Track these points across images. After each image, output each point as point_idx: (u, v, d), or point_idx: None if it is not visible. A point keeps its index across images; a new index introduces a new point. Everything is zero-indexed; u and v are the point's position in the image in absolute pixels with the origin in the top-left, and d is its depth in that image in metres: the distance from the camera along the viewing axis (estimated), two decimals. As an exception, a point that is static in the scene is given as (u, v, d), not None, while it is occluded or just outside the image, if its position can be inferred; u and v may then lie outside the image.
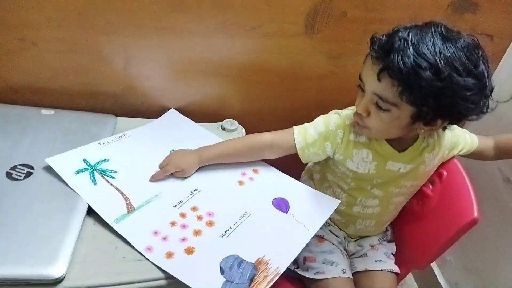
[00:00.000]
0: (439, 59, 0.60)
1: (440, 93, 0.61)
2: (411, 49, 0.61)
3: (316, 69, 0.92)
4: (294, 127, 0.79)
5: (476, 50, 0.63)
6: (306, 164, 0.89)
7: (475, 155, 0.86)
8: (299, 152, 0.78)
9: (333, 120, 0.78)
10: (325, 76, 0.94)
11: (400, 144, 0.76)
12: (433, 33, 0.63)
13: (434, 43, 0.62)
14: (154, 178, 0.74)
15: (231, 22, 0.81)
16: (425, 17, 0.67)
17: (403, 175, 0.79)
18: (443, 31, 0.63)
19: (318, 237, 0.85)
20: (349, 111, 0.79)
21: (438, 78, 0.60)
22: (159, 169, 0.75)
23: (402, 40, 0.62)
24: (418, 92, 0.61)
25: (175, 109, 0.93)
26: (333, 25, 0.85)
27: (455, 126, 0.81)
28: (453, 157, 0.85)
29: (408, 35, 0.63)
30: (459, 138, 0.83)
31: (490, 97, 0.66)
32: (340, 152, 0.77)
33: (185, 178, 0.75)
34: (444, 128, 0.75)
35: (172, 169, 0.74)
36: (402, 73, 0.61)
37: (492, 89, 0.66)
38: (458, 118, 0.67)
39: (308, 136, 0.77)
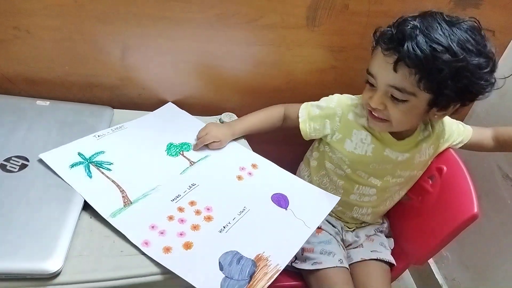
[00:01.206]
0: (452, 42, 0.63)
1: (458, 74, 0.63)
2: (422, 36, 0.63)
3: (317, 63, 0.91)
4: (304, 103, 0.84)
5: (479, 31, 0.67)
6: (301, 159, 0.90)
7: (473, 146, 0.87)
8: (301, 126, 0.82)
9: (334, 99, 0.82)
10: (326, 70, 0.92)
11: (399, 133, 0.78)
12: (438, 20, 0.65)
13: (442, 28, 0.64)
14: (194, 149, 0.79)
15: (232, 13, 0.80)
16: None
17: (399, 164, 0.80)
18: (445, 17, 0.66)
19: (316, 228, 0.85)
20: (354, 96, 0.82)
21: (456, 59, 0.62)
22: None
23: (413, 28, 0.64)
24: (438, 76, 0.63)
25: (172, 102, 0.92)
26: (334, 18, 0.84)
27: (447, 117, 0.83)
28: (448, 149, 0.85)
29: (416, 22, 0.64)
30: (452, 127, 0.85)
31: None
32: (339, 130, 0.80)
33: (183, 172, 0.74)
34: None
35: (210, 139, 0.79)
36: (420, 60, 0.62)
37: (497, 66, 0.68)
38: (471, 98, 0.69)
39: (311, 111, 0.82)
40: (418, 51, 0.62)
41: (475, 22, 0.67)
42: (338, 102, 0.81)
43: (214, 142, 0.79)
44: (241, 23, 0.81)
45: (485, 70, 0.65)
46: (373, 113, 0.74)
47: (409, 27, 0.64)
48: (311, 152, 0.90)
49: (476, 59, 0.64)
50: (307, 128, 0.82)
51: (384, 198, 0.86)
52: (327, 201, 0.75)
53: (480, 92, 0.68)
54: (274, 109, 0.86)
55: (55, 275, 0.54)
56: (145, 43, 0.82)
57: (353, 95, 0.83)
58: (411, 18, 0.66)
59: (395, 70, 0.66)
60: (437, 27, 0.64)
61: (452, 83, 0.64)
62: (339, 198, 0.76)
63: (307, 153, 0.93)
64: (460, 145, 0.87)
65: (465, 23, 0.66)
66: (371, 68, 0.71)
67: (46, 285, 0.53)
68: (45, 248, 0.55)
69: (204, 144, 0.79)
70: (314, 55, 0.90)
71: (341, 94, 0.85)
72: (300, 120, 0.82)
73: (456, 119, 0.90)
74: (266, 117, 0.86)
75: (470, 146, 0.87)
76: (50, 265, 0.53)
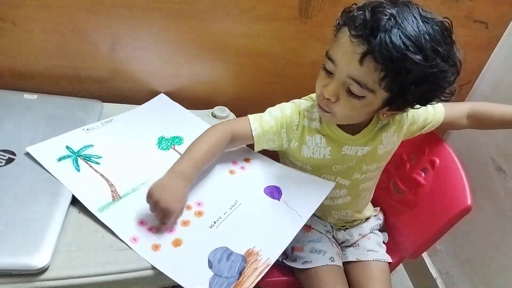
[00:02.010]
0: (426, 43, 0.57)
1: (424, 79, 0.58)
2: (397, 29, 0.56)
3: (310, 55, 0.90)
4: (248, 115, 0.74)
5: (449, 33, 0.61)
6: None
7: (447, 126, 0.83)
8: (255, 139, 0.73)
9: (288, 106, 0.75)
10: (319, 62, 0.89)
11: (352, 127, 0.73)
12: (413, 13, 0.58)
13: (417, 24, 0.57)
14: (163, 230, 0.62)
15: (223, 4, 0.79)
16: (421, 2, 0.65)
17: (363, 159, 0.76)
18: (421, 12, 0.60)
19: (305, 226, 0.84)
20: (302, 100, 0.77)
21: (429, 64, 0.57)
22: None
23: (390, 18, 0.56)
24: (404, 77, 0.58)
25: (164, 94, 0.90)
26: (327, 10, 0.83)
27: None
28: (441, 141, 0.83)
29: (392, 11, 0.57)
30: (418, 112, 0.78)
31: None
32: (296, 138, 0.75)
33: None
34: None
35: (171, 214, 0.60)
36: (391, 57, 0.56)
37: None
38: (425, 104, 0.65)
39: (264, 123, 0.73)
40: (391, 47, 0.55)
41: (447, 23, 0.61)
42: (292, 110, 0.74)
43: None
44: (232, 14, 0.80)
45: (451, 79, 0.61)
46: (320, 104, 0.68)
47: (385, 16, 0.56)
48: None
49: (446, 65, 0.59)
50: (261, 140, 0.73)
51: (358, 195, 0.83)
52: (321, 188, 0.74)
53: (437, 100, 0.64)
54: (216, 134, 0.71)
55: (43, 270, 0.53)
56: (135, 35, 0.81)
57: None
58: (387, 4, 0.59)
59: (360, 62, 0.58)
60: (412, 21, 0.57)
61: (415, 88, 0.59)
62: (334, 183, 0.74)
63: None
64: (432, 129, 0.82)
65: (438, 22, 0.60)
66: (332, 52, 0.63)
67: (33, 281, 0.52)
68: (32, 243, 0.54)
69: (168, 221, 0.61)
70: (307, 48, 0.89)
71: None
72: (254, 133, 0.72)
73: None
74: (212, 148, 0.70)
75: (442, 127, 0.82)
76: (37, 261, 0.52)
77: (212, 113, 0.89)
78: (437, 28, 0.59)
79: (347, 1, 0.82)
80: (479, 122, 0.81)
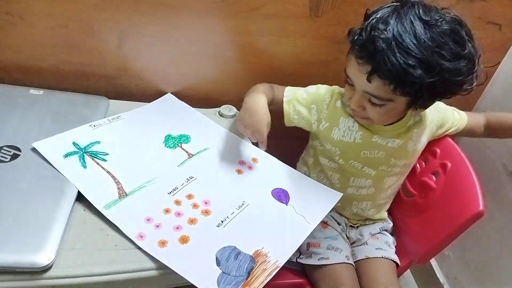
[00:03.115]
0: (426, 52, 0.59)
1: (432, 85, 0.61)
2: (395, 46, 0.59)
3: (320, 54, 0.89)
4: (289, 86, 0.81)
5: (459, 28, 0.62)
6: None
7: (466, 133, 0.86)
8: (284, 106, 0.79)
9: (324, 87, 0.81)
10: (329, 61, 0.90)
11: None
12: (412, 19, 0.61)
13: (416, 33, 0.60)
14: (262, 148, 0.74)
15: (232, 1, 0.78)
16: (436, 2, 0.64)
17: (393, 153, 0.78)
18: (422, 14, 0.61)
19: (322, 223, 0.84)
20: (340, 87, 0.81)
21: (430, 74, 0.60)
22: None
23: (384, 40, 0.60)
24: (412, 87, 0.62)
25: (171, 93, 0.89)
26: (338, 8, 0.82)
27: (441, 104, 0.82)
28: (452, 144, 0.84)
29: (388, 30, 0.60)
30: (447, 114, 0.83)
31: (480, 65, 0.66)
32: (326, 118, 0.78)
33: (181, 164, 0.72)
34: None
35: (264, 130, 0.71)
36: (392, 74, 0.60)
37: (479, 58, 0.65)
38: (452, 95, 0.67)
39: (297, 93, 0.80)
40: (389, 65, 0.59)
41: (456, 18, 0.63)
42: (327, 89, 0.80)
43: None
44: (241, 12, 0.79)
45: (464, 75, 0.63)
46: (353, 112, 0.74)
47: (381, 37, 0.60)
48: (307, 151, 0.89)
49: (453, 64, 0.61)
50: (290, 109, 0.79)
51: (382, 190, 0.84)
52: (330, 198, 0.73)
53: (460, 92, 0.66)
54: (266, 85, 0.81)
55: (47, 268, 0.52)
56: (143, 32, 0.80)
57: None
58: (381, 22, 0.62)
59: (369, 80, 0.64)
60: (411, 30, 0.60)
61: (429, 91, 0.63)
62: (341, 194, 0.74)
63: (302, 154, 0.91)
64: (454, 133, 0.85)
65: (445, 20, 0.61)
66: (347, 70, 0.69)
67: (37, 279, 0.51)
68: (36, 240, 0.53)
69: (265, 137, 0.71)
70: (317, 46, 0.87)
71: (343, 87, 0.82)
72: (284, 99, 0.79)
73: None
74: (266, 87, 0.80)
75: (462, 133, 0.86)
76: (41, 258, 0.51)
77: (219, 112, 0.88)
78: (443, 28, 0.61)
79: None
80: (495, 131, 0.85)
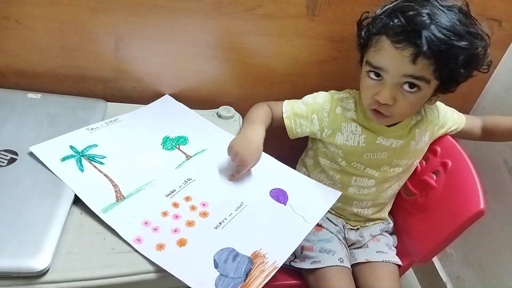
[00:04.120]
0: (460, 28, 0.62)
1: (470, 61, 0.64)
2: (435, 25, 0.61)
3: (317, 54, 0.88)
4: (285, 100, 0.81)
5: (469, 13, 0.66)
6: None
7: (464, 134, 0.87)
8: (285, 121, 0.79)
9: (321, 95, 0.80)
10: (326, 61, 0.89)
11: None
12: (435, 5, 0.63)
13: (444, 14, 0.63)
14: (231, 179, 0.71)
15: (228, 2, 0.77)
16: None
17: (395, 153, 0.78)
18: (440, 2, 0.64)
19: (316, 226, 0.82)
20: (340, 91, 0.81)
21: (472, 46, 0.63)
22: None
23: (426, 17, 0.61)
24: (453, 64, 0.63)
25: (169, 95, 0.89)
26: (336, 7, 0.81)
27: (442, 104, 0.83)
28: (453, 143, 0.84)
29: (425, 10, 0.62)
30: (447, 114, 0.84)
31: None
32: (328, 125, 0.78)
33: (179, 166, 0.72)
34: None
35: (247, 165, 0.70)
36: (440, 50, 0.61)
37: None
38: (465, 81, 0.69)
39: (295, 107, 0.79)
40: (438, 42, 0.60)
41: (464, 5, 0.66)
42: (325, 98, 0.79)
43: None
44: (238, 12, 0.79)
45: (487, 52, 0.66)
46: (377, 109, 0.70)
47: (422, 16, 0.61)
48: (306, 153, 0.89)
49: (480, 43, 0.64)
50: (292, 124, 0.79)
51: (384, 190, 0.84)
52: (328, 196, 0.73)
53: (483, 70, 0.69)
54: (261, 105, 0.81)
55: (43, 273, 0.51)
56: (140, 34, 0.79)
57: (353, 87, 0.81)
58: (414, 4, 0.64)
59: (414, 62, 0.63)
60: (438, 11, 0.62)
61: (464, 69, 0.64)
62: (340, 193, 0.73)
63: (301, 156, 0.91)
64: (453, 133, 0.86)
65: (457, 7, 0.65)
66: (377, 61, 0.67)
67: (34, 284, 0.51)
68: (32, 244, 0.53)
69: (243, 171, 0.70)
70: (314, 46, 0.86)
71: (342, 86, 0.83)
72: (284, 116, 0.79)
73: (461, 112, 0.88)
74: (266, 112, 0.80)
75: (460, 134, 0.87)
76: (37, 263, 0.51)
77: (217, 113, 0.88)
78: (459, 12, 0.64)
79: (355, -2, 0.81)
80: (491, 134, 0.86)
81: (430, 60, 0.62)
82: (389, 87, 0.66)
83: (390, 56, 0.65)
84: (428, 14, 0.61)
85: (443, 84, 0.67)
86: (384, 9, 0.68)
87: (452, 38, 0.61)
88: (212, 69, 0.88)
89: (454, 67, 0.63)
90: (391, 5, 0.67)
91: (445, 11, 0.63)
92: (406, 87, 0.66)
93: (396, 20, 0.63)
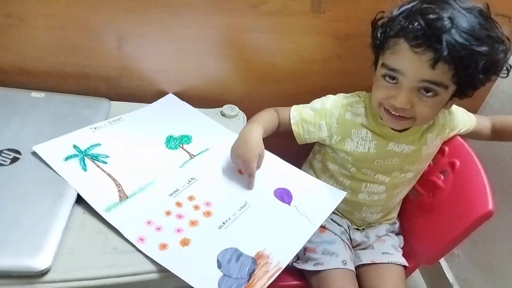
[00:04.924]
0: (480, 32, 0.60)
1: (489, 66, 0.62)
2: (456, 29, 0.59)
3: (322, 51, 0.87)
4: (294, 105, 0.79)
5: (489, 15, 0.63)
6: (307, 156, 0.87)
7: (473, 135, 0.85)
8: (293, 127, 0.77)
9: (330, 100, 0.77)
10: (331, 58, 0.88)
11: None
12: (455, 8, 0.61)
13: (465, 17, 0.60)
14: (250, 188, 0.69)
15: (232, -1, 0.76)
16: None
17: (406, 158, 0.76)
18: (460, 4, 0.62)
19: (320, 227, 0.81)
20: (348, 95, 0.78)
21: (492, 51, 0.61)
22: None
23: (448, 20, 0.59)
24: (472, 70, 0.61)
25: (172, 93, 0.88)
26: (341, 4, 0.80)
27: (454, 105, 0.80)
28: (461, 143, 0.83)
29: (445, 13, 0.59)
30: (459, 116, 0.82)
31: None
32: (337, 132, 0.75)
33: (183, 165, 0.71)
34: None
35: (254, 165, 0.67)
36: (460, 56, 0.59)
37: None
38: (488, 82, 0.67)
39: (303, 113, 0.77)
40: (458, 47, 0.58)
41: (485, 7, 0.64)
42: (333, 103, 0.76)
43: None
44: (242, 9, 0.78)
45: (507, 57, 0.63)
46: (393, 112, 0.68)
47: (442, 20, 0.59)
48: (313, 155, 0.87)
49: (501, 47, 0.62)
50: (300, 130, 0.77)
51: (394, 194, 0.82)
52: (333, 197, 0.72)
53: (497, 77, 0.66)
54: (268, 110, 0.79)
55: (44, 273, 0.51)
56: (142, 32, 0.79)
57: (358, 85, 0.79)
58: (434, 6, 0.61)
59: (433, 67, 0.61)
60: (458, 14, 0.60)
61: (483, 75, 0.62)
62: (345, 193, 0.72)
63: (309, 157, 0.89)
64: (463, 134, 0.84)
65: (478, 9, 0.62)
66: (394, 63, 0.64)
67: (35, 283, 0.51)
68: (33, 244, 0.52)
69: (253, 169, 0.68)
70: (319, 43, 0.85)
71: (348, 84, 0.81)
72: (292, 121, 0.77)
73: (470, 111, 0.87)
74: (270, 116, 0.77)
75: (469, 135, 0.85)
76: (39, 263, 0.51)
77: (221, 112, 0.87)
78: (479, 15, 0.62)
79: (361, -6, 0.79)
80: (500, 134, 0.84)
81: (449, 65, 0.60)
82: (406, 91, 0.64)
83: (408, 60, 0.62)
84: (449, 18, 0.59)
85: (461, 89, 0.65)
86: (401, 9, 0.64)
87: (473, 43, 0.59)
88: (215, 67, 0.87)
89: (473, 72, 0.61)
90: (409, 6, 0.64)
91: (466, 14, 0.60)
92: (422, 91, 0.64)
93: (416, 24, 0.60)
